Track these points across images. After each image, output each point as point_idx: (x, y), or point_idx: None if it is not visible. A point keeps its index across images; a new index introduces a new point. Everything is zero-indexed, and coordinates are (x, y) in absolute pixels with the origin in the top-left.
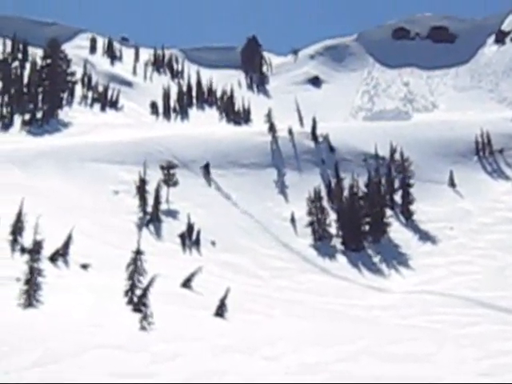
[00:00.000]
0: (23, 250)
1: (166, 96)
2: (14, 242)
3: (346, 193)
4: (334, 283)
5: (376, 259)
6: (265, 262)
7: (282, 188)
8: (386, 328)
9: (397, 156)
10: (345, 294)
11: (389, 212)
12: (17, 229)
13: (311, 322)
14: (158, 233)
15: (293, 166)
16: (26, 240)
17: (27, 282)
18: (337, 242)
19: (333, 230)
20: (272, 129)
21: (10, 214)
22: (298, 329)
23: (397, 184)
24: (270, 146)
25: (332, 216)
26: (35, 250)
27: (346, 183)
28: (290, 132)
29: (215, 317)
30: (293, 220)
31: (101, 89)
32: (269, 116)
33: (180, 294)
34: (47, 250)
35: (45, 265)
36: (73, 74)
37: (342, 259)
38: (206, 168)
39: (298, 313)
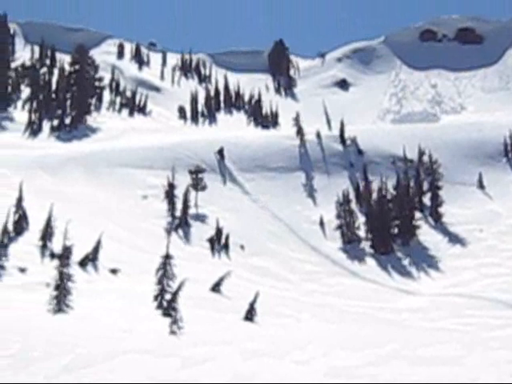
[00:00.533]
0: (53, 256)
1: (194, 100)
2: (44, 247)
3: (374, 195)
4: (363, 286)
5: (405, 262)
6: (294, 266)
7: (311, 191)
8: (415, 331)
9: (425, 158)
10: (374, 297)
11: (418, 214)
12: (46, 234)
13: (340, 325)
14: (186, 237)
15: (321, 170)
16: (56, 245)
17: (57, 287)
18: (366, 245)
19: (362, 232)
20: (300, 132)
21: (39, 220)
22: (327, 332)
23: (425, 186)
24: (299, 150)
25: (361, 219)
26: (65, 256)
27: (375, 186)
28: (318, 135)
29: (245, 321)
30: (322, 223)
31: (129, 94)
32: (297, 119)
33: (209, 298)
34: (77, 255)
35: (74, 270)
36: (101, 79)
37: (371, 262)
38: (220, 153)
39: (327, 316)
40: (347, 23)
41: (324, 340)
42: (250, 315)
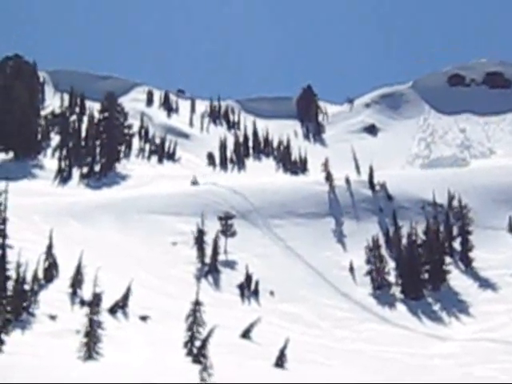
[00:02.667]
0: (83, 303)
1: (223, 147)
2: (74, 294)
3: (404, 241)
4: (394, 332)
5: (436, 307)
6: (324, 312)
7: (340, 237)
8: (446, 377)
9: (455, 203)
10: (405, 343)
11: (448, 259)
12: (76, 281)
13: (371, 371)
14: (216, 283)
15: (350, 215)
16: (86, 292)
17: (87, 334)
18: (396, 291)
19: (392, 278)
20: (329, 178)
21: (69, 267)
22: (357, 379)
23: (455, 231)
24: (328, 195)
25: (391, 264)
26: (95, 303)
27: (405, 231)
28: (347, 181)
29: (275, 367)
30: (351, 269)
31: (158, 141)
32: (325, 165)
33: (239, 345)
34: (107, 302)
35: (104, 317)
36: (130, 126)
37: (401, 308)
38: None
39: (357, 363)
40: (375, 68)
41: None
42: (280, 362)
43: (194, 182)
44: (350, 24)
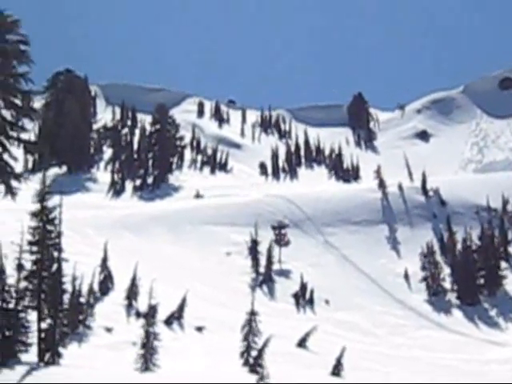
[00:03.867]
0: (138, 315)
1: (275, 156)
2: (130, 306)
3: (459, 246)
4: (450, 338)
5: (492, 312)
6: (379, 319)
7: (394, 244)
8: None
9: (509, 207)
10: (461, 349)
11: (504, 264)
12: (132, 293)
13: (427, 378)
14: (271, 293)
15: (404, 222)
16: (141, 304)
17: (143, 346)
18: (452, 297)
19: (447, 284)
20: (382, 185)
21: (124, 279)
22: None
23: (510, 235)
24: (381, 202)
25: (446, 270)
26: (150, 314)
27: (459, 236)
28: (400, 187)
29: (332, 376)
30: (406, 276)
31: (210, 152)
32: (378, 172)
33: (296, 354)
34: (162, 314)
35: (160, 328)
36: (181, 138)
37: (457, 314)
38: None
39: (413, 370)
40: (425, 74)
41: None
42: (337, 370)
43: (198, 196)
44: (399, 30)
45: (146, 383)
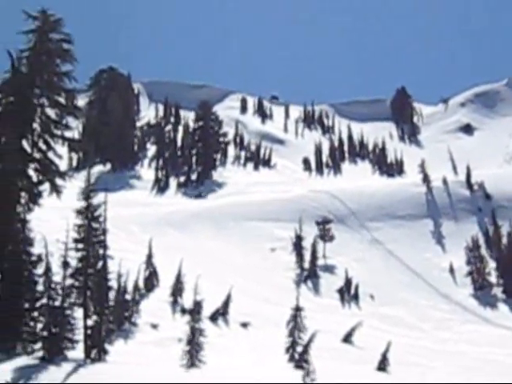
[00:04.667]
0: (184, 311)
1: (318, 151)
2: (175, 303)
3: (504, 240)
4: (496, 333)
5: None
6: (425, 314)
7: (439, 238)
8: None
9: None
10: (507, 344)
11: None
12: (177, 290)
13: (473, 373)
14: (316, 288)
15: (449, 216)
16: (186, 301)
17: (189, 342)
18: (497, 291)
19: (493, 278)
20: (426, 179)
21: (169, 276)
22: (462, 381)
23: None
24: (425, 197)
25: (491, 264)
26: (196, 311)
27: (504, 230)
28: (445, 181)
29: (378, 371)
30: (451, 270)
31: (253, 148)
32: (422, 166)
33: (341, 349)
34: (207, 310)
35: (205, 325)
36: (225, 134)
37: (503, 308)
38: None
39: (459, 364)
40: (469, 67)
41: None
42: (382, 365)
43: (198, 195)
44: (442, 23)
45: (193, 383)
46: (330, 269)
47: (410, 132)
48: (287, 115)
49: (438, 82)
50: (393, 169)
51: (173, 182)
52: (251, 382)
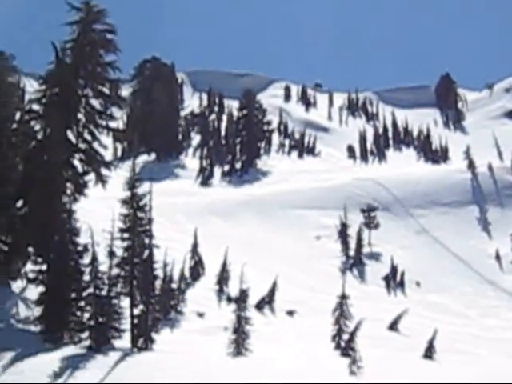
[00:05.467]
0: (230, 300)
1: (363, 139)
2: (221, 291)
3: None
4: None
5: None
6: (471, 301)
7: (485, 225)
8: None
9: None
10: None
11: None
12: (222, 278)
13: None
14: (361, 276)
15: (494, 202)
16: (232, 289)
17: (235, 330)
18: None
19: None
20: (471, 165)
21: (214, 265)
22: (506, 368)
23: None
24: (470, 183)
25: None
26: (241, 299)
27: None
28: (490, 167)
29: (424, 359)
30: (498, 257)
31: (297, 136)
32: (467, 153)
33: (387, 337)
34: (253, 298)
35: (251, 313)
36: (269, 123)
37: None
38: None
39: (506, 352)
40: None
41: (506, 377)
42: (429, 353)
43: (204, 183)
44: (486, 8)
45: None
46: (375, 256)
47: (454, 118)
48: (331, 103)
49: (482, 67)
50: (438, 155)
51: (217, 170)
52: (297, 371)
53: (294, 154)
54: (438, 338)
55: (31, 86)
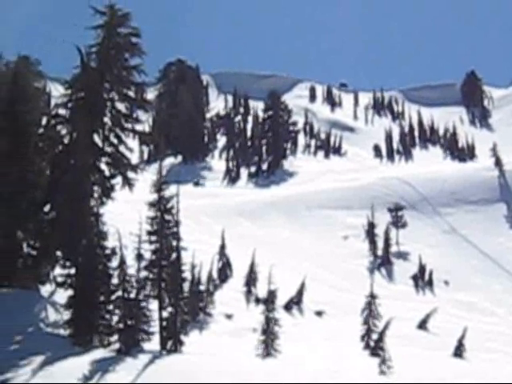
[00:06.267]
0: (258, 301)
1: (389, 138)
2: (249, 293)
3: None
4: None
5: None
6: (500, 299)
7: None
8: None
9: None
10: None
11: None
12: (250, 280)
13: None
14: (389, 275)
15: None
16: (260, 290)
17: (264, 331)
18: None
19: None
20: (498, 163)
21: (242, 266)
22: None
23: None
24: (498, 181)
25: None
26: (270, 300)
27: None
28: None
29: (454, 357)
30: None
31: (323, 136)
32: (494, 150)
33: (416, 336)
34: (281, 299)
35: (280, 314)
36: (294, 123)
37: None
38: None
39: None
40: None
41: None
42: (458, 352)
43: (197, 183)
44: (509, 4)
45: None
46: (403, 255)
47: (480, 116)
48: (356, 102)
49: (508, 64)
50: (464, 153)
51: (243, 172)
52: (327, 371)
53: (320, 154)
54: (468, 337)
55: (57, 91)
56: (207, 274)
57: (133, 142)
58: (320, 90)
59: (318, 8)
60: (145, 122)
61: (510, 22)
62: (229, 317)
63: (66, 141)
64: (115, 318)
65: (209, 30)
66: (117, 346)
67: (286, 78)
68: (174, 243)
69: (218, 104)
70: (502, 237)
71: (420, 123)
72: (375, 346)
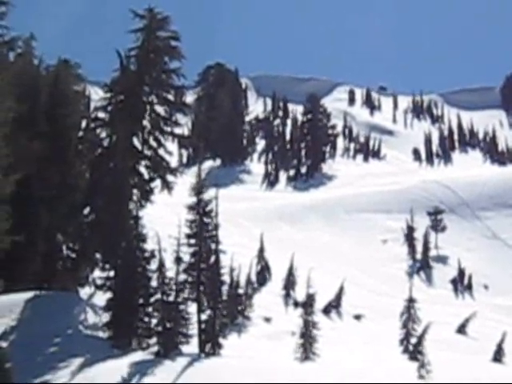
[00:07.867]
0: (296, 304)
1: (428, 141)
2: (287, 296)
3: None
4: None
5: None
6: None
7: None
8: None
9: None
10: None
11: None
12: (289, 283)
13: None
14: (428, 279)
15: None
16: (299, 294)
17: (302, 335)
18: None
19: None
20: None
21: (281, 269)
22: None
23: None
24: None
25: None
26: (308, 304)
27: None
28: None
29: (493, 362)
30: None
31: (362, 139)
32: None
33: (455, 341)
34: (320, 303)
35: (319, 317)
36: (333, 127)
37: None
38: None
39: None
40: None
41: None
42: (498, 356)
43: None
44: None
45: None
46: (442, 259)
47: None
48: (396, 106)
49: None
50: (504, 157)
51: (282, 175)
52: (366, 375)
53: (359, 157)
54: (507, 341)
55: (96, 94)
56: (246, 277)
57: (172, 145)
58: (359, 94)
59: (356, 11)
60: (184, 125)
61: None
62: (267, 320)
63: (105, 144)
64: (154, 321)
65: (248, 33)
66: (155, 348)
67: (325, 81)
68: (213, 246)
69: (256, 107)
70: None
71: (459, 127)
72: (414, 350)
